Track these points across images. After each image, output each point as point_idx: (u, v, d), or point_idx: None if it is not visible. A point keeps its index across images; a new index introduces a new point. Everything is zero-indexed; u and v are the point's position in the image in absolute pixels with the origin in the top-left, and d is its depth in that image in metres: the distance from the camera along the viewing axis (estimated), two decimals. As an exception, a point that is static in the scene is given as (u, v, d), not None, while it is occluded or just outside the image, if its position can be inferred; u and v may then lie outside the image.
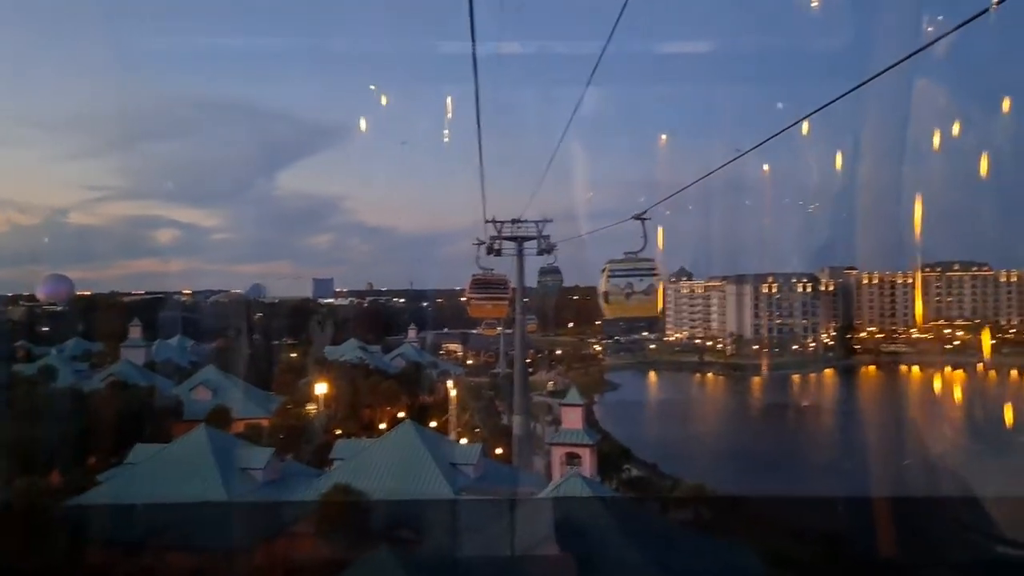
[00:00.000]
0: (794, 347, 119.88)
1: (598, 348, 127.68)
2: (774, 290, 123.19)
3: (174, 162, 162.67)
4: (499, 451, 45.67)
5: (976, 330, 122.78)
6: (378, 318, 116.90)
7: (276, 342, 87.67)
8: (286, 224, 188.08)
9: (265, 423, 48.19)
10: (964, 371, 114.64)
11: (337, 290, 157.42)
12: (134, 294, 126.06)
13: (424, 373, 66.66)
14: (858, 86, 7.72)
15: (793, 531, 5.65)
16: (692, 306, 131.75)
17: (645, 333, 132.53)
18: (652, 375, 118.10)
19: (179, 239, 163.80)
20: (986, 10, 5.53)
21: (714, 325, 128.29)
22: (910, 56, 6.66)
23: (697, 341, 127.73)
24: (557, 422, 58.61)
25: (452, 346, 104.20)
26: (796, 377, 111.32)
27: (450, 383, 56.79)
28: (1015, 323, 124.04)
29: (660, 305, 12.09)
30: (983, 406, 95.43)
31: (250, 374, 60.30)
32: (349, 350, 70.48)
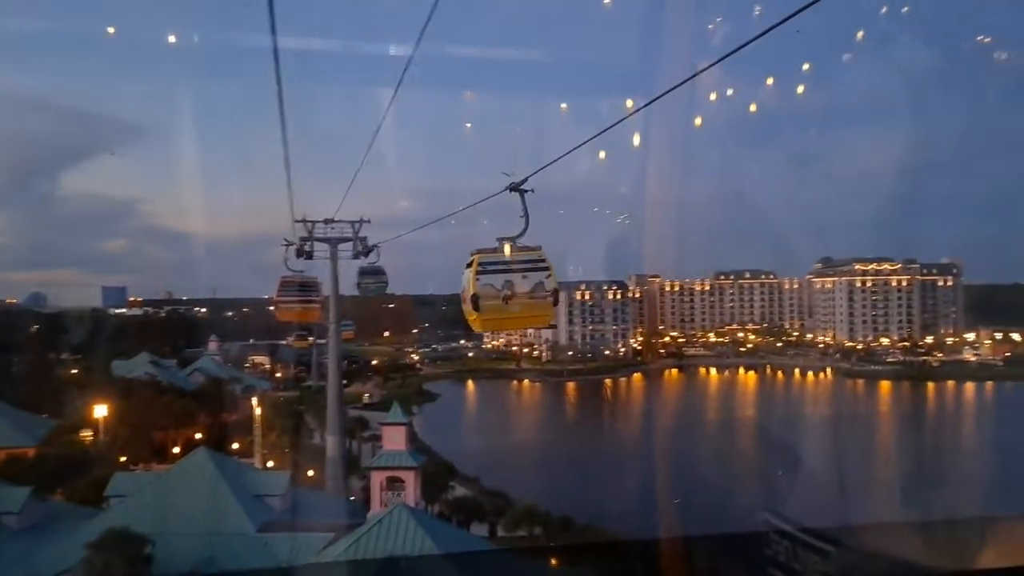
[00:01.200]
0: (606, 352, 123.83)
1: (416, 357, 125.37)
2: (587, 297, 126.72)
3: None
4: (311, 474, 42.00)
5: (764, 333, 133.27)
6: (176, 329, 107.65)
7: (55, 357, 77.85)
8: (73, 228, 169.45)
9: (31, 453, 41.42)
10: (756, 372, 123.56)
11: (131, 299, 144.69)
12: None
13: (226, 389, 61.03)
14: (648, 104, 7.64)
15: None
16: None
17: (463, 341, 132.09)
18: (471, 384, 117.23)
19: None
20: (766, 32, 5.51)
21: (530, 332, 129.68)
22: (696, 75, 6.87)
23: (514, 348, 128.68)
24: (375, 438, 55.56)
25: (259, 359, 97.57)
26: (608, 381, 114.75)
27: (255, 400, 51.96)
28: (797, 326, 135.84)
29: (553, 311, 8.90)
30: (773, 406, 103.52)
31: (18, 395, 52.38)
32: (140, 365, 63.53)
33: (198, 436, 47.24)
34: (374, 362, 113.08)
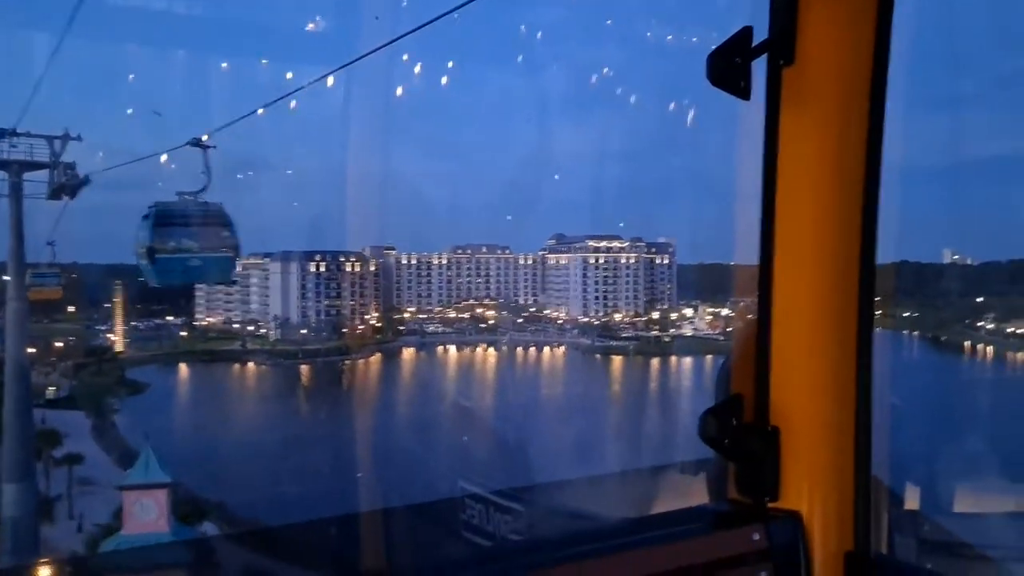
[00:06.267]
0: (344, 330, 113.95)
1: (113, 338, 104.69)
2: (322, 269, 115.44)
3: None
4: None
5: (500, 308, 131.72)
6: None
7: None
8: None
9: None
10: (495, 348, 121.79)
11: None
12: None
13: None
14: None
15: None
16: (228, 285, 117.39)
17: (170, 318, 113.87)
18: (185, 369, 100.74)
19: None
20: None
21: (255, 307, 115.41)
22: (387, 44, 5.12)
23: (236, 326, 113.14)
24: (72, 460, 40.89)
25: None
26: (348, 363, 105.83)
27: None
28: (531, 301, 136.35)
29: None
30: (509, 385, 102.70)
31: None
32: None
33: None
34: (58, 344, 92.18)
